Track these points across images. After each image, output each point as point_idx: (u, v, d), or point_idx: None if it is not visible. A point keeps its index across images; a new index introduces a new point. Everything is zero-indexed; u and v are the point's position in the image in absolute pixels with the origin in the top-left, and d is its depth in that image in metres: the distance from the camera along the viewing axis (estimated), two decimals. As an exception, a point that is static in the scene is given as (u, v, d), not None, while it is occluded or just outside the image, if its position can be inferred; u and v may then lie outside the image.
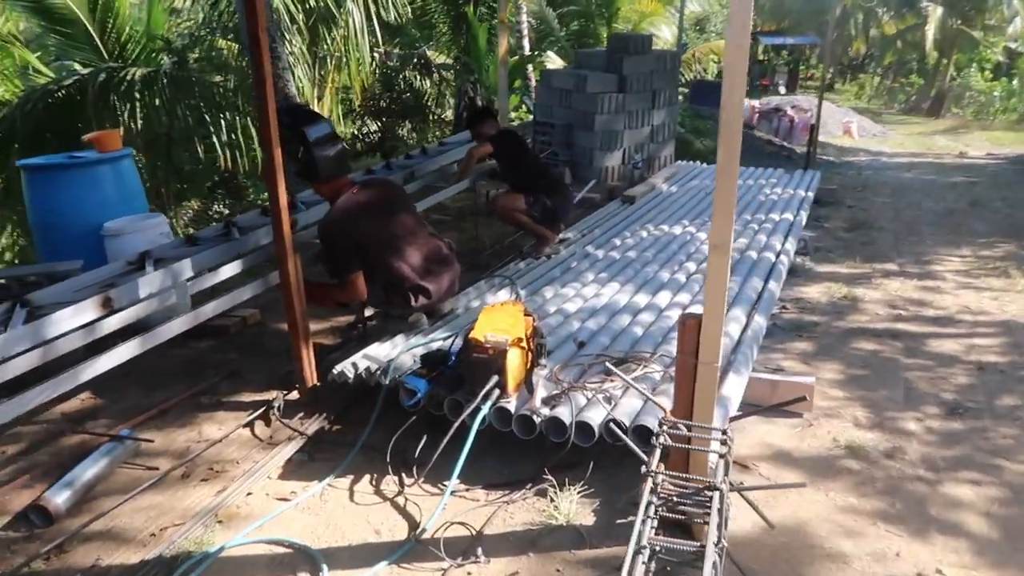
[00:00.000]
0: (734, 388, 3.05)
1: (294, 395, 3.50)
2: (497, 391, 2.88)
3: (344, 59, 8.83)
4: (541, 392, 2.97)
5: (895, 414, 3.38)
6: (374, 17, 8.83)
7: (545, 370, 3.14)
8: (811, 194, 6.92)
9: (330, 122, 3.61)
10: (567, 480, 2.72)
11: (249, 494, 2.83)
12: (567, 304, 4.08)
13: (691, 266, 4.72)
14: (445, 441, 2.77)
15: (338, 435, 3.24)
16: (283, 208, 3.23)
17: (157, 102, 7.56)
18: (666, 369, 3.11)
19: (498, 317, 3.02)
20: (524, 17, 13.61)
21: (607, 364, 3.13)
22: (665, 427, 2.28)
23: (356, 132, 11.98)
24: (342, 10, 8.52)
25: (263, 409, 3.38)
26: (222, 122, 7.22)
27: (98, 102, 8.07)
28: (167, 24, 10.95)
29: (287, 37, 8.22)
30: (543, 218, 5.08)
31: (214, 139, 7.20)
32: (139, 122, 8.07)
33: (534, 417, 2.84)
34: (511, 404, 2.91)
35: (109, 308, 3.09)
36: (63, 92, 8.36)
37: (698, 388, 2.33)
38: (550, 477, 2.72)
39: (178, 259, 3.41)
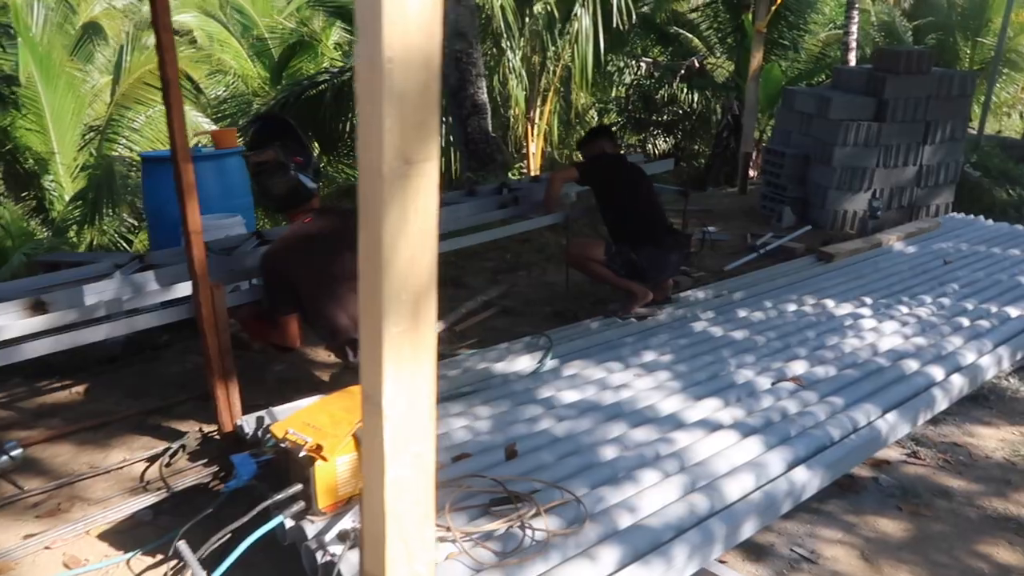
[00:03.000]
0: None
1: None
2: (302, 502, 2.22)
3: (570, 67, 8.31)
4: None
5: None
6: (611, 20, 8.15)
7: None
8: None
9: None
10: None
11: (47, 548, 2.53)
12: (573, 393, 3.17)
13: (798, 368, 3.43)
14: (206, 549, 2.19)
15: (212, 497, 2.82)
16: (195, 232, 2.88)
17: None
18: (556, 531, 2.16)
19: (338, 406, 2.34)
20: (853, 28, 11.65)
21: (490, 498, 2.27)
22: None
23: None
24: (572, 15, 8.00)
25: (164, 449, 3.08)
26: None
27: (333, 102, 8.62)
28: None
29: (507, 44, 7.95)
30: (627, 273, 4.10)
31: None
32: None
33: (317, 554, 2.12)
34: (313, 527, 2.22)
35: (42, 311, 3.02)
36: (315, 91, 9.07)
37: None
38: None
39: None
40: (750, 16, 10.26)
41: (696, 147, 12.07)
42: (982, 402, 3.51)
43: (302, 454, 2.15)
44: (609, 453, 2.67)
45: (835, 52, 11.45)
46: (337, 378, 3.64)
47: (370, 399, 1.13)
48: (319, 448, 2.15)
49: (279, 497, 2.20)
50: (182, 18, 15.43)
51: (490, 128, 7.26)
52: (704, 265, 5.67)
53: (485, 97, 7.12)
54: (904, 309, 4.25)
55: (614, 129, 12.31)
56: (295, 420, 2.25)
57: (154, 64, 13.16)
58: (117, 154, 12.20)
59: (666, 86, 11.37)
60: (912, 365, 3.45)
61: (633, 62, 11.49)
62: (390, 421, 1.08)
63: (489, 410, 3.01)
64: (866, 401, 3.07)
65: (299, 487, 2.20)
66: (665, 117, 11.79)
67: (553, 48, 8.25)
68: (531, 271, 5.47)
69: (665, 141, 12.55)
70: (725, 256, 5.95)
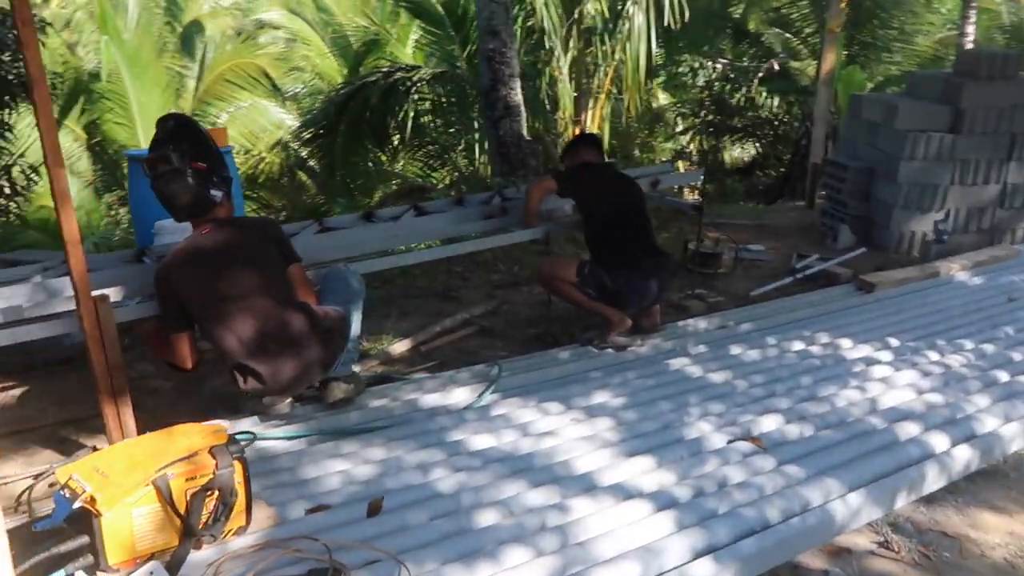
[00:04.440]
0: None
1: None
2: (90, 556, 1.96)
3: (620, 67, 7.81)
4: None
5: None
6: (664, 17, 7.62)
7: (211, 548, 2.08)
8: None
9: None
10: None
11: None
12: (488, 439, 2.79)
13: (770, 423, 2.91)
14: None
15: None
16: (73, 243, 2.67)
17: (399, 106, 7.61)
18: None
19: (144, 449, 2.06)
20: (970, 29, 10.47)
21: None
22: None
23: (676, 148, 10.80)
24: (623, 12, 7.51)
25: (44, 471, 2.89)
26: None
27: (380, 101, 8.48)
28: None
29: (553, 42, 7.54)
30: (600, 297, 3.66)
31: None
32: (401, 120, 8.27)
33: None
34: (101, 585, 1.95)
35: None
36: (366, 90, 8.94)
37: None
38: None
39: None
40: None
41: (778, 157, 11.26)
42: (1000, 480, 2.88)
43: (76, 504, 1.89)
44: (488, 519, 2.28)
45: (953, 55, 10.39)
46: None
47: None
48: (93, 500, 1.87)
49: (62, 549, 1.94)
50: (269, 16, 15.86)
51: (524, 131, 6.90)
52: (730, 289, 5.11)
53: (519, 98, 6.77)
54: (933, 356, 3.61)
55: (690, 134, 11.66)
56: (86, 464, 1.99)
57: (236, 61, 13.55)
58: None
59: (743, 89, 10.64)
60: (911, 429, 2.87)
61: (709, 63, 10.82)
62: None
63: (383, 452, 2.68)
64: (832, 473, 2.55)
65: (86, 539, 1.94)
66: (741, 123, 11.03)
67: (603, 47, 7.79)
68: (532, 287, 5.08)
69: (743, 149, 11.79)
70: (759, 279, 5.36)
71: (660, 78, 12.44)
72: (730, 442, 2.78)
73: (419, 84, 8.40)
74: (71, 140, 12.46)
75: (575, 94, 8.04)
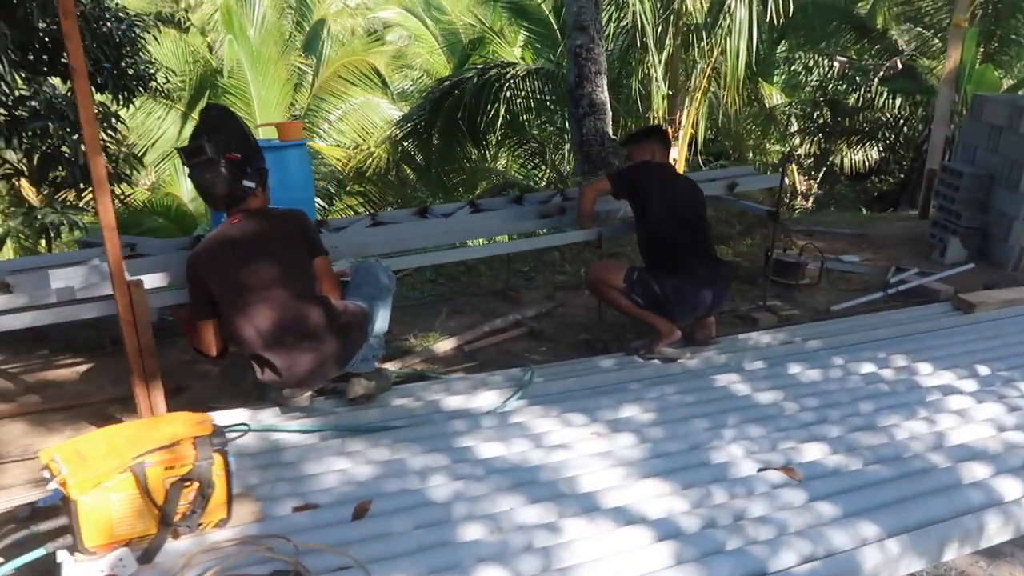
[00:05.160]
0: None
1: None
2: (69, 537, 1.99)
3: (720, 64, 7.42)
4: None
5: None
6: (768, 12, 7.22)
7: (188, 539, 2.06)
8: None
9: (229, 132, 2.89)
10: None
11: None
12: (498, 447, 2.67)
13: (813, 452, 2.64)
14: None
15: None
16: (109, 228, 2.76)
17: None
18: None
19: (126, 435, 2.07)
20: None
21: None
22: None
23: (783, 150, 10.20)
24: (724, 7, 7.15)
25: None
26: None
27: (473, 99, 8.48)
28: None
29: (647, 39, 7.27)
30: (648, 304, 3.45)
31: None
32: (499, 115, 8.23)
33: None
34: (72, 567, 1.97)
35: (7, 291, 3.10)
36: (461, 88, 8.97)
37: None
38: None
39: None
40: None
41: (899, 162, 10.49)
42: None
43: (51, 485, 1.92)
44: (473, 533, 2.16)
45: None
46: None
47: None
48: (65, 483, 1.90)
49: (42, 528, 1.98)
50: (385, 14, 16.27)
51: (609, 130, 6.69)
52: (810, 302, 4.75)
53: (604, 96, 6.56)
54: (1028, 388, 3.20)
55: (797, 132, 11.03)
56: (68, 446, 2.02)
57: (349, 59, 13.97)
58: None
59: (862, 89, 9.93)
60: (978, 471, 2.52)
61: (825, 60, 10.17)
62: None
63: (388, 453, 2.61)
64: (871, 515, 2.27)
65: (64, 520, 1.97)
66: (859, 124, 10.31)
67: (701, 45, 7.45)
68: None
69: (864, 153, 11.02)
70: (847, 293, 4.95)
71: (777, 76, 11.86)
72: (760, 470, 2.54)
73: (512, 81, 8.34)
74: (195, 132, 13.22)
75: (670, 92, 7.73)
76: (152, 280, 3.08)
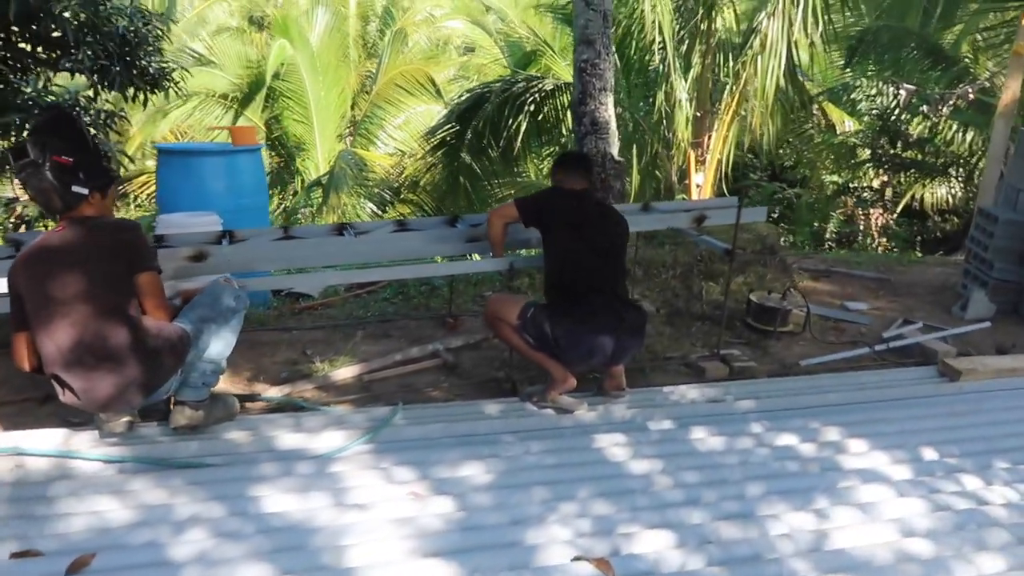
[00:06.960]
0: None
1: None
2: None
3: (751, 86, 6.85)
4: None
5: None
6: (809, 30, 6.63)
7: None
8: None
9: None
10: None
11: None
12: (298, 502, 2.36)
13: (655, 541, 2.21)
14: None
15: None
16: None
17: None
18: None
19: None
20: None
21: None
22: None
23: (850, 183, 9.44)
24: (757, 24, 6.61)
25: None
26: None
27: (496, 111, 8.22)
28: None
29: (667, 56, 6.80)
30: (540, 346, 3.05)
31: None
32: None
33: None
34: None
35: None
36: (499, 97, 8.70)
37: None
38: None
39: None
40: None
41: (969, 199, 9.57)
42: None
43: None
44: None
45: None
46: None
47: None
48: None
49: None
50: (452, 24, 16.22)
51: (614, 151, 6.25)
52: (781, 354, 4.22)
53: (608, 114, 6.12)
54: (975, 484, 2.64)
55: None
56: None
57: (406, 67, 13.99)
58: (344, 148, 13.11)
59: (928, 119, 9.09)
60: (842, 591, 2.03)
61: (890, 88, 9.37)
62: None
63: (165, 496, 2.33)
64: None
65: None
66: (922, 157, 9.43)
67: (729, 64, 6.92)
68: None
69: (933, 191, 10.11)
70: (833, 346, 4.39)
71: (849, 101, 11.09)
72: (575, 559, 2.13)
73: (536, 95, 8.01)
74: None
75: (697, 114, 7.22)
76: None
